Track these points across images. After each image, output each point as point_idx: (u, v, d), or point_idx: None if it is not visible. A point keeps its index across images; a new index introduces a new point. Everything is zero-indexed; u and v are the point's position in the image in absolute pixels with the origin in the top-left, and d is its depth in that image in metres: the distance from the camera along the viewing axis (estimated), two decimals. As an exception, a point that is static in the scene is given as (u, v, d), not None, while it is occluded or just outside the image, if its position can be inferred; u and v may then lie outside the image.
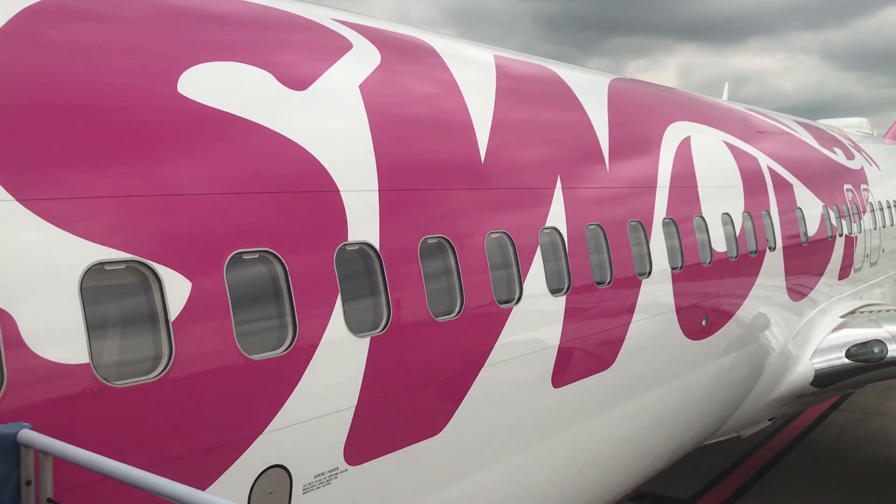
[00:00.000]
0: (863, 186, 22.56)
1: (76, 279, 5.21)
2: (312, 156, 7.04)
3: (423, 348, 7.67)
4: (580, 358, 9.92)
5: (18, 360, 4.87)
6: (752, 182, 15.51)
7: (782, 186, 16.80)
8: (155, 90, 6.25)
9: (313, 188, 6.97)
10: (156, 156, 6.02)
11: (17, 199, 5.09)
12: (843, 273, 19.75)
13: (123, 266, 5.52)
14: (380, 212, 7.39)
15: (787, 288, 16.38)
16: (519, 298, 8.78)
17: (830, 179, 20.20)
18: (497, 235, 8.71)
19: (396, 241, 7.47)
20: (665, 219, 11.98)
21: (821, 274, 18.25)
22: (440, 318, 7.77)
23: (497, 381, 8.50)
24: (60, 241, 5.23)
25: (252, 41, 7.49)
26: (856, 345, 17.36)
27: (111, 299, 5.56)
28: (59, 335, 5.11)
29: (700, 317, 12.80)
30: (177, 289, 5.72)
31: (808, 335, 17.55)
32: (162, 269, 5.64)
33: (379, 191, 7.47)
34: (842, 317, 18.74)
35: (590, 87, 12.33)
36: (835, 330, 18.02)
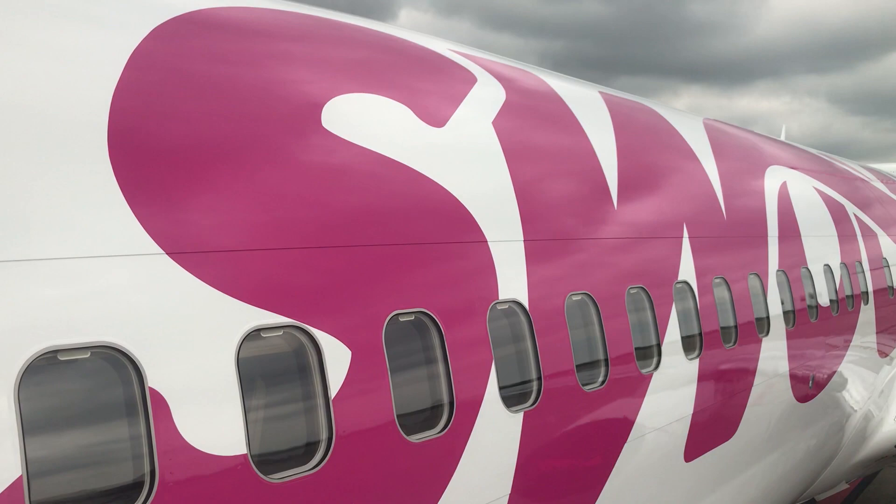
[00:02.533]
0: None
1: (233, 350, 4.30)
2: (459, 202, 6.16)
3: (572, 424, 6.72)
4: (709, 427, 8.94)
5: (172, 453, 3.94)
6: (844, 231, 14.64)
7: (869, 235, 15.91)
8: (302, 126, 5.39)
9: (463, 238, 6.07)
10: (308, 202, 5.14)
11: (168, 253, 4.20)
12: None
13: (280, 332, 4.60)
14: (526, 265, 6.49)
15: (877, 344, 15.43)
16: (658, 363, 7.83)
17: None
18: (635, 291, 7.79)
19: (544, 299, 6.55)
20: (777, 271, 11.08)
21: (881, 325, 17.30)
22: (587, 388, 6.83)
23: (637, 459, 7.52)
24: (214, 303, 4.32)
25: (384, 70, 6.65)
26: None
27: (269, 374, 4.63)
28: (214, 420, 4.18)
29: (808, 378, 11.85)
30: (337, 359, 4.79)
31: (891, 393, 16.56)
32: (321, 336, 4.72)
33: (524, 241, 6.58)
34: None
35: (691, 127, 11.50)
36: None
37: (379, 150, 5.74)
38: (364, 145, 5.66)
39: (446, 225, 6.00)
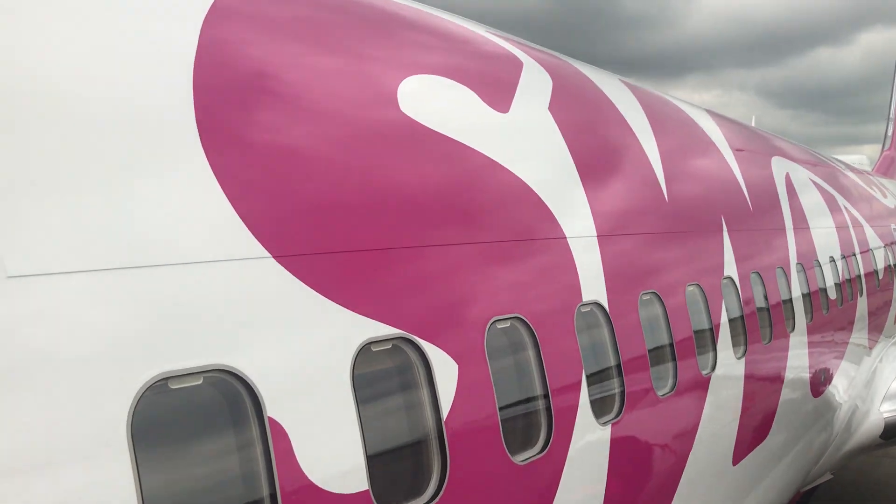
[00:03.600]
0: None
1: (347, 371, 3.69)
2: (537, 194, 5.63)
3: (651, 433, 6.26)
4: (751, 428, 8.60)
5: (297, 495, 3.32)
6: (840, 222, 14.58)
7: (858, 227, 15.92)
8: (382, 109, 4.79)
9: (545, 234, 5.54)
10: (399, 194, 4.54)
11: (274, 256, 3.57)
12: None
13: (389, 346, 4.00)
14: (602, 263, 5.99)
15: (868, 335, 15.44)
16: (714, 364, 7.44)
17: (884, 219, 19.49)
18: (692, 289, 7.38)
19: (621, 300, 6.07)
20: (797, 264, 10.84)
21: (886, 318, 17.39)
22: (660, 394, 6.37)
23: (698, 466, 7.11)
24: (324, 313, 3.71)
25: (441, 50, 6.07)
26: None
27: (383, 396, 4.03)
28: (335, 453, 3.57)
29: (821, 372, 11.67)
30: (446, 375, 4.22)
31: (877, 384, 16.62)
32: (429, 348, 4.14)
33: (597, 237, 6.08)
34: None
35: (699, 117, 11.19)
36: None
37: (458, 138, 5.17)
38: (443, 132, 5.07)
39: (528, 220, 5.46)
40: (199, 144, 3.51)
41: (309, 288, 3.67)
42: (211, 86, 3.74)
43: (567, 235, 5.70)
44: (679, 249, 7.52)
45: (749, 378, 8.28)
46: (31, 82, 3.07)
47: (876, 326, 16.30)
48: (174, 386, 3.05)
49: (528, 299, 5.08)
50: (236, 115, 3.81)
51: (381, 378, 4.01)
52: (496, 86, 6.16)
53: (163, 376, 2.99)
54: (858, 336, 14.77)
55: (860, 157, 31.94)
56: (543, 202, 5.64)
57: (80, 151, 3.09)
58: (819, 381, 11.64)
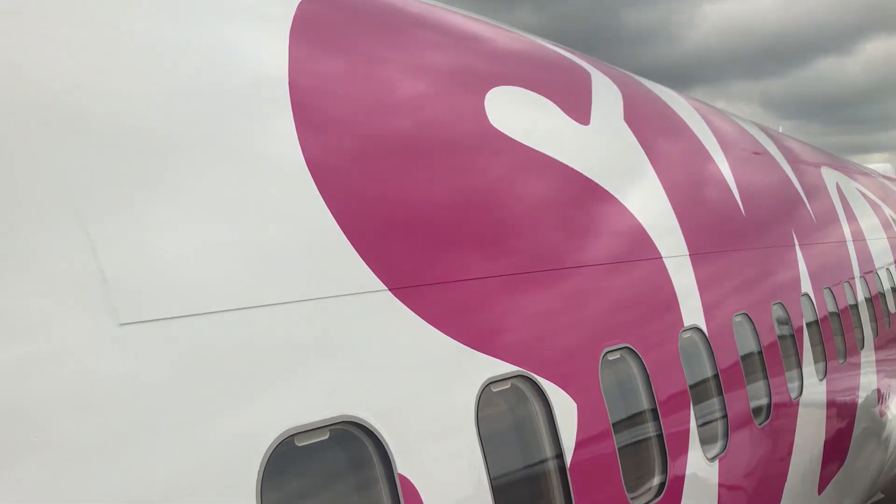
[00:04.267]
0: None
1: (472, 416, 3.28)
2: (630, 211, 5.22)
3: (752, 466, 5.82)
4: (833, 454, 8.14)
5: None
6: (889, 231, 14.13)
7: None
8: (471, 122, 4.40)
9: (643, 255, 5.13)
10: (510, 219, 4.16)
11: (390, 289, 3.17)
12: None
13: (508, 385, 3.59)
14: (697, 284, 5.58)
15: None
16: (801, 388, 6.99)
17: None
18: (776, 307, 6.95)
19: (718, 323, 5.65)
20: (860, 277, 10.39)
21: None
22: (758, 423, 5.94)
23: (792, 497, 6.66)
24: (442, 351, 3.31)
25: (513, 61, 5.69)
26: None
27: (507, 442, 3.62)
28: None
29: (886, 389, 11.19)
30: (566, 415, 3.80)
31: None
32: (548, 386, 3.73)
33: (689, 255, 5.66)
34: None
35: (750, 128, 10.80)
36: None
37: (549, 153, 4.78)
38: (534, 147, 4.68)
39: (625, 239, 5.06)
40: (300, 152, 3.15)
41: (425, 322, 3.27)
42: (306, 98, 3.37)
43: (663, 255, 5.30)
44: (760, 266, 7.10)
45: (830, 401, 7.83)
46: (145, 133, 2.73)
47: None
48: (301, 443, 2.65)
49: (634, 326, 4.67)
50: (333, 123, 3.45)
51: (504, 424, 3.60)
52: (572, 96, 5.78)
53: (290, 432, 2.59)
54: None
55: (885, 165, 31.39)
56: (637, 219, 5.24)
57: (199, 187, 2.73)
58: (884, 399, 11.16)
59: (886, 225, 14.32)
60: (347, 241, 3.11)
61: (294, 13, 3.68)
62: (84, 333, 2.23)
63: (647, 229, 5.25)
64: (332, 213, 3.12)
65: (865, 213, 13.17)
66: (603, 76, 6.71)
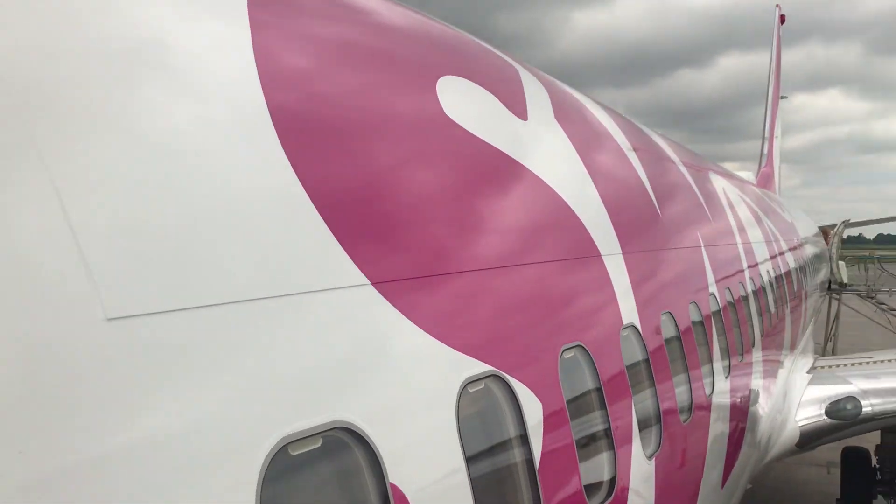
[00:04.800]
0: (796, 239, 22.91)
1: (453, 421, 3.11)
2: (572, 209, 5.19)
3: (680, 464, 5.92)
4: (733, 450, 8.48)
5: None
6: (766, 236, 14.98)
7: (777, 241, 16.40)
8: (425, 110, 4.23)
9: (585, 252, 5.11)
10: (464, 208, 3.99)
11: (373, 283, 2.96)
12: (805, 325, 19.70)
13: (482, 386, 3.44)
14: (630, 283, 5.62)
15: (791, 342, 15.90)
16: (713, 386, 7.21)
17: (790, 233, 20.24)
18: (692, 307, 7.13)
19: (650, 322, 5.71)
20: (750, 279, 10.90)
21: (794, 326, 18.00)
22: (684, 420, 6.05)
23: (706, 493, 6.85)
24: (421, 349, 3.13)
25: (452, 51, 5.54)
26: (831, 402, 17.06)
27: (487, 448, 3.46)
28: None
29: (767, 386, 11.80)
30: (534, 416, 3.70)
31: (791, 394, 17.10)
32: (517, 387, 3.61)
33: (623, 254, 5.70)
34: (808, 372, 18.49)
35: (648, 131, 11.13)
36: (808, 387, 17.66)
37: (500, 147, 4.67)
38: (486, 140, 4.56)
39: (571, 237, 5.02)
40: (276, 135, 2.88)
41: (406, 318, 3.08)
42: (276, 80, 3.11)
43: (602, 253, 5.29)
44: (678, 267, 7.28)
45: (732, 398, 8.13)
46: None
47: (793, 335, 16.83)
48: (294, 452, 2.40)
49: (584, 324, 4.63)
50: (305, 108, 3.20)
51: (483, 428, 3.45)
52: (508, 90, 5.69)
53: (285, 439, 2.34)
54: (783, 345, 15.17)
55: (748, 173, 33.33)
56: (578, 217, 5.22)
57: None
58: (766, 396, 11.75)
59: (764, 229, 15.15)
60: (324, 225, 2.87)
61: None
62: None
63: (588, 228, 5.23)
64: (305, 188, 2.87)
65: (747, 217, 13.88)
66: (528, 73, 6.67)
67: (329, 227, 2.87)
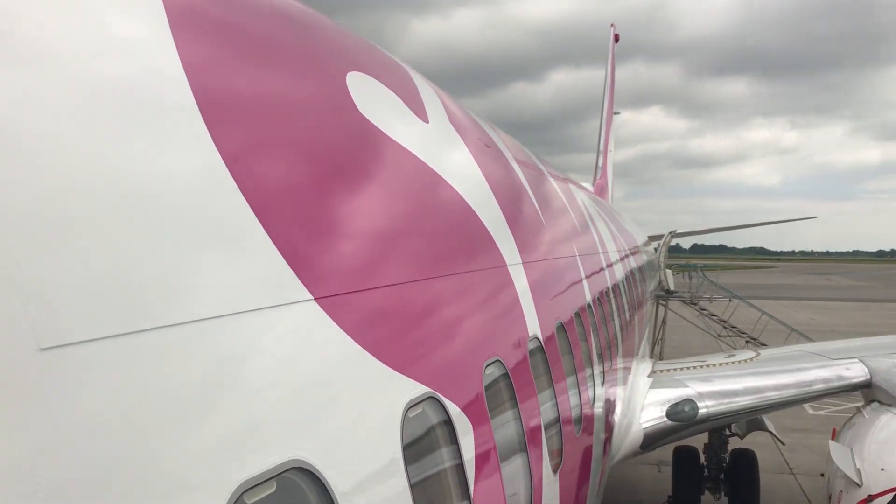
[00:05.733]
0: (637, 248, 24.00)
1: (399, 448, 2.81)
2: (481, 219, 4.99)
3: (575, 476, 5.85)
4: (602, 459, 8.59)
5: None
6: (620, 246, 15.49)
7: (626, 251, 17.03)
8: (335, 106, 3.87)
9: (495, 263, 4.91)
10: (389, 216, 3.68)
11: (316, 298, 2.60)
12: (644, 330, 20.61)
13: (419, 410, 3.15)
14: (532, 292, 5.49)
15: (637, 347, 16.53)
16: (594, 397, 7.26)
17: (633, 244, 21.12)
18: (575, 317, 7.14)
19: (549, 333, 5.62)
20: (611, 287, 11.17)
21: (639, 332, 18.78)
22: (576, 432, 6.00)
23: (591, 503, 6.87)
24: (365, 371, 2.81)
25: (353, 48, 5.19)
26: (671, 405, 17.94)
27: (430, 478, 3.14)
28: None
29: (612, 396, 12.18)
30: (466, 437, 3.45)
31: (636, 398, 17.82)
32: (451, 407, 3.34)
33: (522, 263, 5.57)
34: (648, 376, 19.35)
35: (521, 145, 11.20)
36: (650, 391, 18.47)
37: (411, 150, 4.38)
38: (399, 141, 4.27)
39: (482, 246, 4.81)
40: (209, 135, 2.48)
41: (348, 337, 2.74)
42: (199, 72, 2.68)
43: (507, 263, 5.13)
44: (563, 276, 7.28)
45: (606, 405, 8.25)
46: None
47: (639, 342, 17.56)
48: (249, 501, 2.01)
49: (500, 338, 4.43)
50: (233, 102, 2.79)
51: (426, 455, 3.15)
52: (405, 90, 5.40)
53: (243, 485, 1.96)
54: (633, 352, 15.78)
55: (585, 184, 34.73)
56: (486, 226, 5.02)
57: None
58: (622, 401, 12.10)
59: (616, 239, 15.70)
60: (265, 233, 2.50)
61: None
62: None
63: (493, 236, 5.05)
64: (241, 191, 2.48)
65: (604, 228, 14.32)
66: (417, 74, 6.42)
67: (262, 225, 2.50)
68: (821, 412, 28.08)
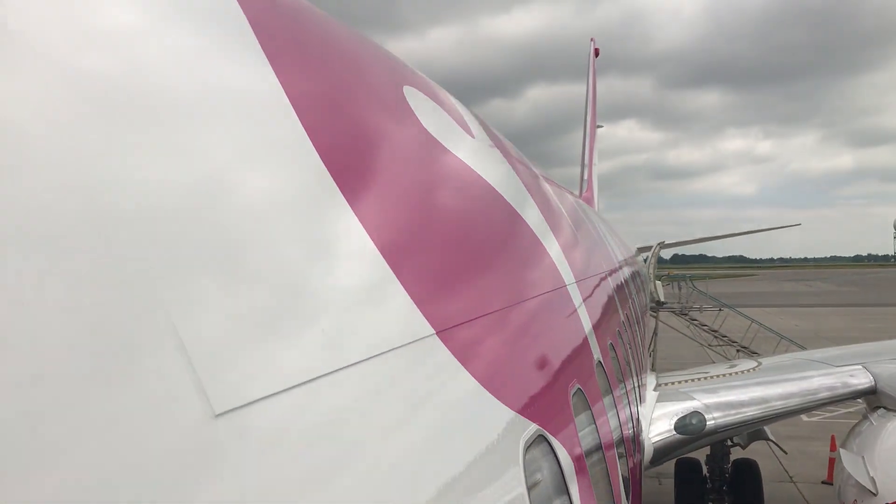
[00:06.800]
0: (633, 258, 24.00)
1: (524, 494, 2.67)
2: (537, 236, 4.88)
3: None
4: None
5: None
6: (625, 255, 15.45)
7: (626, 262, 17.00)
8: (402, 122, 3.76)
9: (556, 283, 4.81)
10: (474, 240, 3.56)
11: (437, 332, 2.47)
12: (646, 344, 20.57)
13: (535, 452, 3.01)
14: (588, 314, 5.40)
15: (644, 361, 16.49)
16: (631, 418, 7.15)
17: (630, 255, 21.11)
18: (611, 339, 7.06)
19: (604, 353, 5.52)
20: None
21: (643, 345, 18.72)
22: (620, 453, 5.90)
23: None
24: (489, 412, 2.67)
25: (394, 62, 5.09)
26: (679, 418, 17.86)
27: None
28: None
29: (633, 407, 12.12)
30: (571, 478, 3.31)
31: (644, 412, 17.75)
32: (557, 447, 3.21)
33: (576, 283, 5.47)
34: (654, 390, 19.27)
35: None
36: (657, 405, 18.38)
37: (472, 166, 4.27)
38: (464, 159, 4.15)
39: (546, 266, 4.71)
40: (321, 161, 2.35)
41: (469, 374, 2.60)
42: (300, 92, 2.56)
43: (566, 282, 5.04)
44: (600, 293, 7.19)
45: (633, 425, 8.14)
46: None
47: (644, 355, 17.52)
48: None
49: (577, 364, 4.32)
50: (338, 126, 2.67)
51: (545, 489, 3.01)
52: (448, 105, 5.29)
53: None
54: (642, 367, 15.72)
55: (574, 198, 34.86)
56: (543, 245, 4.92)
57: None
58: (639, 418, 12.01)
59: (618, 248, 15.68)
60: (389, 269, 2.36)
61: None
62: None
63: (552, 256, 4.96)
64: (365, 229, 2.35)
65: (607, 239, 14.29)
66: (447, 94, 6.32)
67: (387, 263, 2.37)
68: (814, 419, 28.18)
